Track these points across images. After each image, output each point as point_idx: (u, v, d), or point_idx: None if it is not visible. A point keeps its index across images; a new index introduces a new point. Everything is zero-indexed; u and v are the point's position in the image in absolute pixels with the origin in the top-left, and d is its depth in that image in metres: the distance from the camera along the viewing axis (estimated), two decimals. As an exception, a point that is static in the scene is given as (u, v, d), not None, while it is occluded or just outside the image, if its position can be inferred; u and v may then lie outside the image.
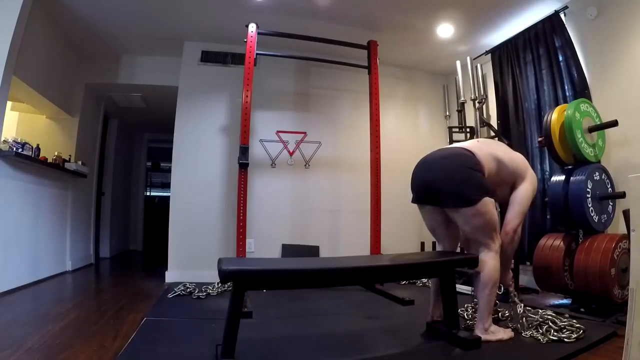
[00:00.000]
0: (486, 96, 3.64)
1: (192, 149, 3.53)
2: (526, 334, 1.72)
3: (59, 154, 3.39)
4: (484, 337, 1.65)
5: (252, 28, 3.04)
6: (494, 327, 1.72)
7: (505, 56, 3.45)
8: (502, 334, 1.70)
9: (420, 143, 4.16)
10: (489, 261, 1.71)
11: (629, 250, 1.59)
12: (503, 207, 1.95)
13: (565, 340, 1.64)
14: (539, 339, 1.66)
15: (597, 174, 2.33)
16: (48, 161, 3.18)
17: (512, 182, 1.87)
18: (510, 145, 3.02)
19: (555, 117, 2.42)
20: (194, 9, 3.14)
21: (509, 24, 3.26)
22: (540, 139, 2.59)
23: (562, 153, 2.44)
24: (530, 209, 3.09)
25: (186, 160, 3.51)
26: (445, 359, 1.56)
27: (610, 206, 2.38)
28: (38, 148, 3.07)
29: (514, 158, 1.89)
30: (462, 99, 3.62)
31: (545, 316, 1.83)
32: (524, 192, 1.84)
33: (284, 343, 1.72)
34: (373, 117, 3.31)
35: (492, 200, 1.74)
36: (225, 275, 1.32)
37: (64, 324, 1.89)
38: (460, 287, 2.82)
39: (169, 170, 3.70)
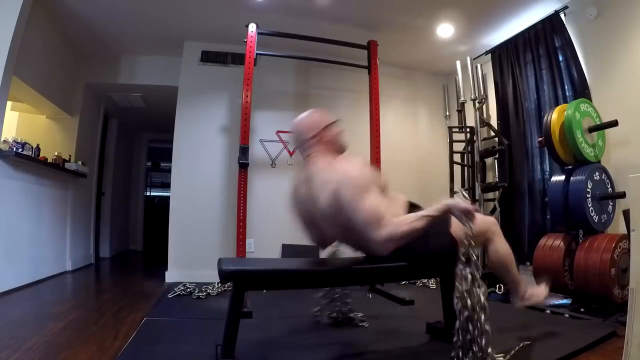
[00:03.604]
0: (486, 96, 3.64)
1: (192, 149, 3.53)
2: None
3: (59, 154, 3.39)
4: (525, 304, 1.67)
5: (252, 28, 3.05)
6: (528, 292, 1.71)
7: (505, 56, 3.45)
8: (537, 294, 1.71)
9: (420, 143, 4.16)
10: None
11: (629, 250, 1.59)
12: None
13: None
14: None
15: (597, 174, 2.33)
16: (48, 161, 3.18)
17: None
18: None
19: (555, 117, 2.43)
20: (194, 9, 3.14)
21: (509, 24, 3.26)
22: (540, 139, 2.60)
23: (562, 153, 2.44)
24: (531, 209, 3.13)
25: (186, 160, 3.51)
26: (445, 359, 1.55)
27: (610, 206, 2.39)
28: (38, 148, 3.07)
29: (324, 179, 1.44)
30: (462, 99, 3.63)
31: None
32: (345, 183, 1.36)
33: (284, 343, 1.72)
34: (373, 117, 3.31)
35: None
36: (225, 276, 1.32)
37: (64, 324, 1.89)
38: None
39: (169, 170, 3.70)
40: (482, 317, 1.22)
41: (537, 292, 1.73)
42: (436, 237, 1.46)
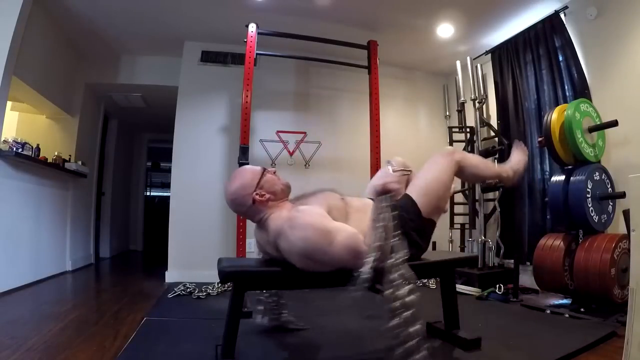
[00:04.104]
0: (486, 96, 3.64)
1: (192, 149, 3.54)
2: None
3: (59, 154, 3.39)
4: (516, 174, 1.72)
5: (252, 28, 3.05)
6: (512, 167, 1.73)
7: (505, 56, 3.44)
8: (518, 160, 1.74)
9: (420, 143, 4.16)
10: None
11: (629, 250, 1.59)
12: None
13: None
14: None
15: (597, 174, 2.33)
16: (48, 161, 3.18)
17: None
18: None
19: (555, 117, 2.42)
20: (194, 9, 3.14)
21: (509, 24, 3.26)
22: (540, 139, 2.59)
23: (562, 153, 2.44)
24: (531, 209, 3.13)
25: (186, 160, 3.52)
26: (445, 359, 1.56)
27: (610, 206, 2.38)
28: (38, 148, 3.07)
29: None
30: (462, 99, 3.63)
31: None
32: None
33: (283, 343, 1.72)
34: (373, 117, 3.31)
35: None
36: (225, 276, 1.32)
37: (64, 324, 1.89)
38: (460, 287, 2.82)
39: (169, 170, 3.70)
40: (409, 314, 1.12)
41: (516, 158, 1.74)
42: (417, 234, 1.45)
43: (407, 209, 1.47)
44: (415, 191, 1.52)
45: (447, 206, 1.74)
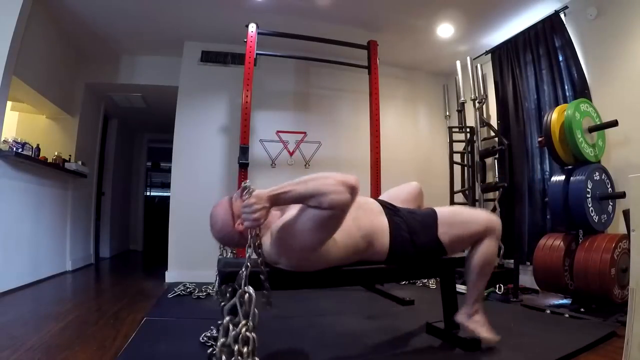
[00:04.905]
0: (486, 96, 3.64)
1: (192, 149, 3.54)
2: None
3: (59, 154, 3.39)
4: (466, 324, 1.54)
5: (252, 28, 3.05)
6: (479, 316, 1.56)
7: (505, 56, 3.45)
8: (484, 327, 1.53)
9: (420, 143, 4.17)
10: None
11: (629, 250, 1.59)
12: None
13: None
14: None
15: (597, 174, 2.33)
16: (48, 161, 3.18)
17: None
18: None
19: (555, 117, 2.43)
20: (194, 9, 3.14)
21: (509, 24, 3.26)
22: (540, 139, 2.60)
23: (562, 153, 2.44)
24: (531, 209, 3.13)
25: (186, 160, 3.52)
26: (445, 359, 1.56)
27: (610, 206, 2.38)
28: (38, 148, 3.07)
29: None
30: (462, 99, 3.63)
31: None
32: None
33: (283, 343, 1.72)
34: (373, 117, 3.31)
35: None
36: (224, 276, 1.32)
37: (64, 324, 1.89)
38: (461, 287, 2.82)
39: (169, 170, 3.70)
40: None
41: (486, 327, 1.53)
42: (421, 234, 1.46)
43: (426, 221, 1.48)
44: (442, 213, 1.51)
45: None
